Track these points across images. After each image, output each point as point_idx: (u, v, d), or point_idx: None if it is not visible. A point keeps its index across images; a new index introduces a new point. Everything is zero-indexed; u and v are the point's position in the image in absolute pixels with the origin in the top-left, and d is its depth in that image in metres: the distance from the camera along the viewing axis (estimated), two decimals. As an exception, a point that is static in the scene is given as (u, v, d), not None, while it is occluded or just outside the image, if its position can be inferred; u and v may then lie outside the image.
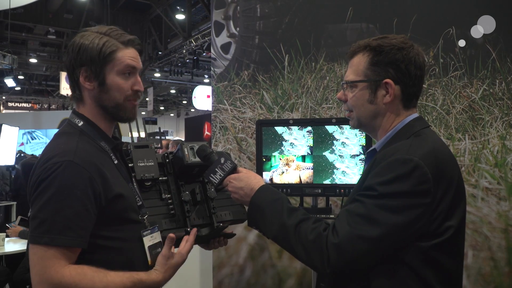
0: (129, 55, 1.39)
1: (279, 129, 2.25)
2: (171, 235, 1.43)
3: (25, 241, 4.21)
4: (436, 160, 1.23)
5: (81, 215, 1.24)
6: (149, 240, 1.44)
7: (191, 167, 1.63)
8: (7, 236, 4.29)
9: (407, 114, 1.35)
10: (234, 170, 1.47)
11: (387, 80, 1.30)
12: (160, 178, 1.62)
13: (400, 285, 1.21)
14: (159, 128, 13.69)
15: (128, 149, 1.58)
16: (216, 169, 1.47)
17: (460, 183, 1.30)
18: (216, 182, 1.48)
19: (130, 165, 1.56)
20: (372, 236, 1.16)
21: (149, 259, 1.42)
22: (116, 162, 1.42)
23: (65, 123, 1.45)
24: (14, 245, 4.14)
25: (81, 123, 1.40)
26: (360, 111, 1.36)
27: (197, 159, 1.63)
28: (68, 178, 1.24)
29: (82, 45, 1.36)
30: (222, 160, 1.47)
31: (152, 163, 1.60)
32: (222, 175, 1.47)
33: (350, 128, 2.11)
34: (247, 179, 1.43)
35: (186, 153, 1.62)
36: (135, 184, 1.51)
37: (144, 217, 1.46)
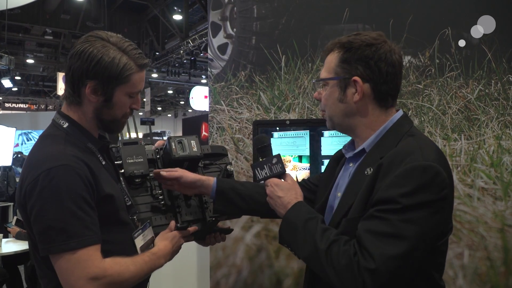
0: (140, 79, 1.40)
1: (276, 130, 2.25)
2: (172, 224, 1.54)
3: (22, 242, 4.20)
4: (445, 161, 1.22)
5: (90, 214, 1.27)
6: (140, 240, 1.44)
7: (179, 161, 1.62)
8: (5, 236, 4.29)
9: (389, 113, 1.31)
10: (281, 175, 1.41)
11: (355, 77, 1.26)
12: (150, 174, 1.61)
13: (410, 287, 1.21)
14: (150, 128, 13.61)
15: (117, 146, 1.58)
16: (265, 166, 1.41)
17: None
18: (259, 178, 1.42)
19: (119, 162, 1.56)
20: (404, 253, 1.12)
21: None
22: (103, 162, 1.42)
23: (49, 125, 1.43)
24: (11, 246, 4.14)
25: (66, 125, 1.38)
26: (331, 109, 1.33)
27: (185, 153, 1.62)
28: (70, 181, 1.24)
29: (101, 59, 1.31)
30: (274, 161, 1.41)
31: (142, 159, 1.59)
32: (268, 174, 1.41)
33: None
34: (287, 191, 1.36)
35: (174, 147, 1.60)
36: (123, 183, 1.50)
37: (134, 217, 1.46)
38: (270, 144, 1.46)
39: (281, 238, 1.32)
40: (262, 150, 1.44)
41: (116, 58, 1.33)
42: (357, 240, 1.16)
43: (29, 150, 1.39)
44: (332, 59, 1.32)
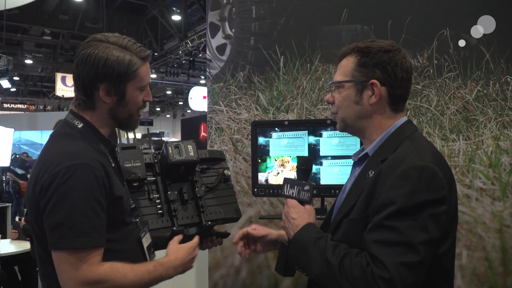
0: (146, 71, 1.43)
1: (275, 131, 2.25)
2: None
3: (20, 244, 4.19)
4: (441, 163, 1.24)
5: (101, 216, 1.28)
6: (146, 241, 1.46)
7: (176, 165, 1.64)
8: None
9: (396, 118, 1.35)
10: (305, 203, 1.41)
11: (373, 80, 1.30)
12: (148, 179, 1.63)
13: None
14: (147, 129, 13.71)
15: (115, 150, 1.59)
16: (295, 186, 1.43)
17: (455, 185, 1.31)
18: (284, 193, 1.44)
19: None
20: (416, 261, 1.13)
21: (148, 259, 1.45)
22: (113, 165, 1.43)
23: (61, 124, 1.44)
24: (9, 248, 4.13)
25: (80, 125, 1.40)
26: (346, 111, 1.35)
27: (182, 157, 1.63)
28: (87, 181, 1.25)
29: (107, 59, 1.34)
30: (306, 187, 1.42)
31: (139, 164, 1.61)
32: (294, 195, 1.42)
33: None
34: (301, 214, 1.37)
35: (170, 151, 1.62)
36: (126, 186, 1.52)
37: (137, 219, 1.47)
38: (311, 170, 1.49)
39: (291, 259, 1.33)
40: (302, 172, 1.47)
41: (120, 56, 1.36)
42: (367, 251, 1.18)
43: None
44: (349, 63, 1.35)
